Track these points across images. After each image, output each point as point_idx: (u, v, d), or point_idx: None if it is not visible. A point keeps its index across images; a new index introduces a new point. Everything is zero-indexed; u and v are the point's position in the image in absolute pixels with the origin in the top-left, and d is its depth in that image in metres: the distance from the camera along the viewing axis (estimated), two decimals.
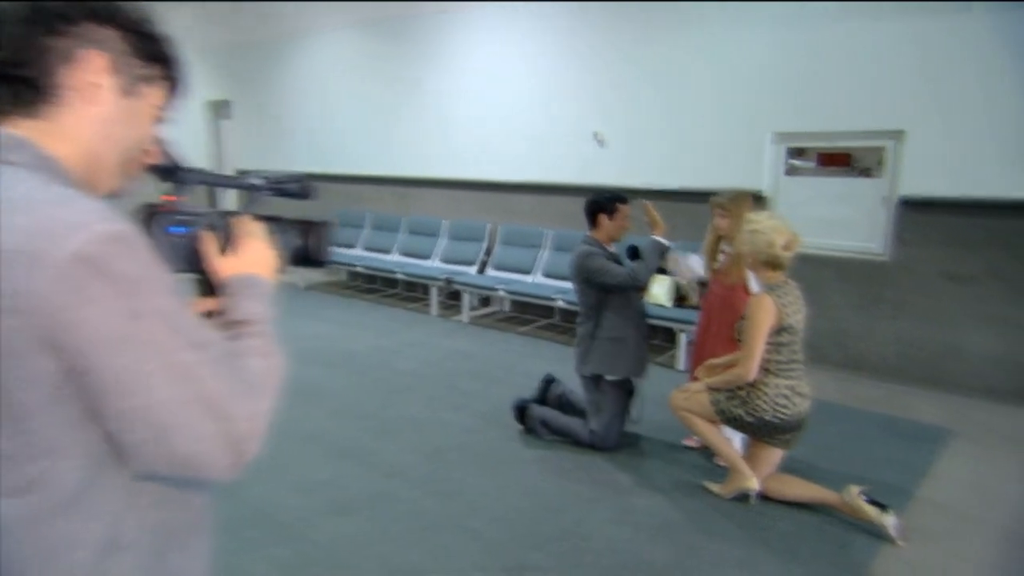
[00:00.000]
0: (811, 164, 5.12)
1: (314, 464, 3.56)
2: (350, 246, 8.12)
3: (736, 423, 3.10)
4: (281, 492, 3.26)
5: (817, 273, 5.06)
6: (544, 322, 6.52)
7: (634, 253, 3.61)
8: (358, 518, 3.04)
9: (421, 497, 3.22)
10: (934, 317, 4.64)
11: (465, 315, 6.57)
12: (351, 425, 4.07)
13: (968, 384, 4.58)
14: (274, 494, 3.24)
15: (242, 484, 3.32)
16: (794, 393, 2.98)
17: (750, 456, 3.23)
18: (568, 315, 6.10)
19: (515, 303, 6.87)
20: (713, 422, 3.24)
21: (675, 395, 3.33)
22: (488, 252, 6.99)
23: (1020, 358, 4.39)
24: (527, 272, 6.53)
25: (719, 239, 3.57)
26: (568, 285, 5.87)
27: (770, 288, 2.96)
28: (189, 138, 10.34)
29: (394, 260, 7.59)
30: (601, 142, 6.08)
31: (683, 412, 3.30)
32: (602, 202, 3.60)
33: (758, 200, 5.21)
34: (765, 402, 2.97)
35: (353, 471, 3.48)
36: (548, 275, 6.35)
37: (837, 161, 5.00)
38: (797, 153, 5.17)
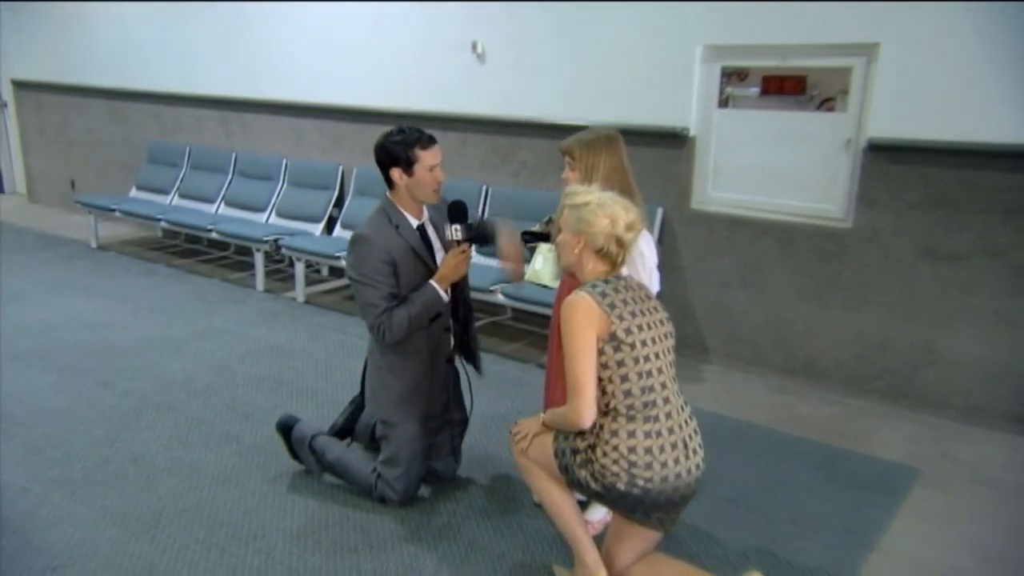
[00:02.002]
0: (753, 91, 4.46)
1: None
2: (163, 192, 7.11)
3: (583, 489, 2.38)
4: None
5: (754, 243, 4.40)
6: None
7: (458, 214, 2.84)
8: None
9: None
10: (907, 308, 4.03)
11: (300, 291, 5.72)
12: (44, 473, 3.22)
13: (948, 401, 4.00)
14: None
15: None
16: (663, 449, 2.25)
17: (612, 534, 2.54)
18: None
19: None
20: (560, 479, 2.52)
21: (522, 429, 2.62)
22: (340, 203, 6.12)
23: (1019, 367, 3.80)
24: None
25: None
26: None
27: (592, 285, 2.28)
28: None
29: (214, 213, 6.64)
30: (480, 55, 5.21)
31: (522, 460, 2.62)
32: (391, 148, 2.79)
33: (680, 140, 4.49)
34: (615, 462, 2.25)
35: None
36: None
37: (788, 88, 4.34)
38: (736, 77, 4.45)
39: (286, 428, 3.27)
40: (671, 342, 2.34)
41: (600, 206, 2.26)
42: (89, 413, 3.78)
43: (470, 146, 5.46)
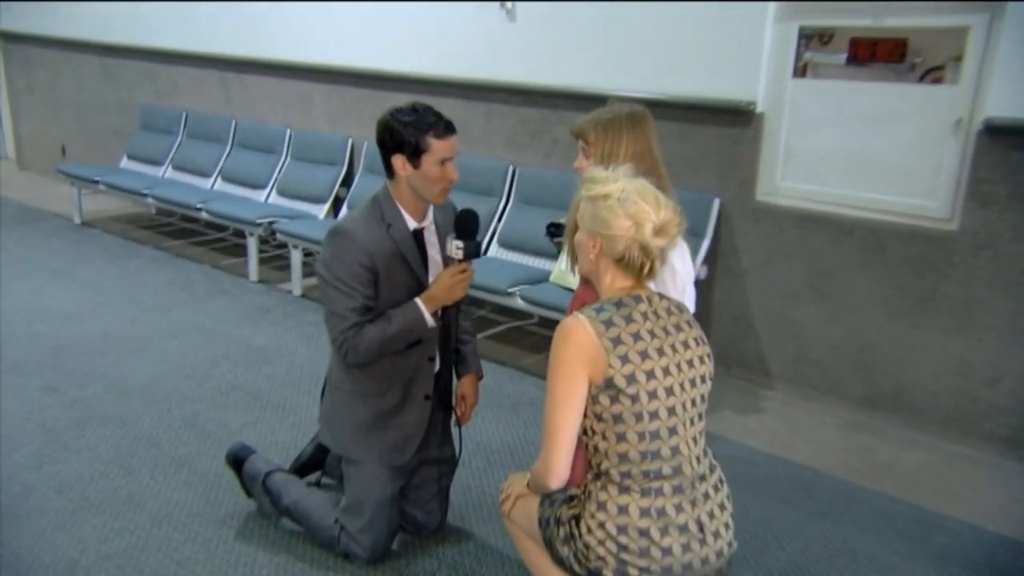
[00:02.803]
0: (839, 58, 4.04)
1: None
2: (155, 163, 6.91)
3: (567, 571, 2.04)
4: None
5: (832, 246, 3.97)
6: None
7: (465, 228, 2.48)
8: None
9: None
10: None
11: (296, 283, 5.45)
12: None
13: None
14: None
15: None
16: (665, 531, 1.88)
17: None
18: None
19: None
20: None
21: (508, 488, 2.30)
22: (348, 182, 5.81)
23: None
24: None
25: None
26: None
27: (597, 309, 1.90)
28: None
29: (209, 189, 6.42)
30: (510, 12, 4.82)
31: (508, 525, 2.32)
32: (397, 129, 2.42)
33: (745, 117, 4.06)
34: (601, 543, 1.90)
35: None
36: None
37: (883, 54, 3.92)
38: (818, 40, 4.05)
39: (237, 462, 2.96)
40: (703, 389, 1.94)
41: (622, 201, 1.87)
42: (24, 427, 3.52)
43: (495, 119, 5.08)
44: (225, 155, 6.54)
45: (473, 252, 2.46)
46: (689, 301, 2.33)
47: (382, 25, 5.52)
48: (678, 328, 1.94)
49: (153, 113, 7.17)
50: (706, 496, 1.93)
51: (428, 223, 2.58)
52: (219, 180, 6.47)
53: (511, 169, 4.96)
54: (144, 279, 5.59)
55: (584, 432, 1.92)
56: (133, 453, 3.36)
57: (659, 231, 1.88)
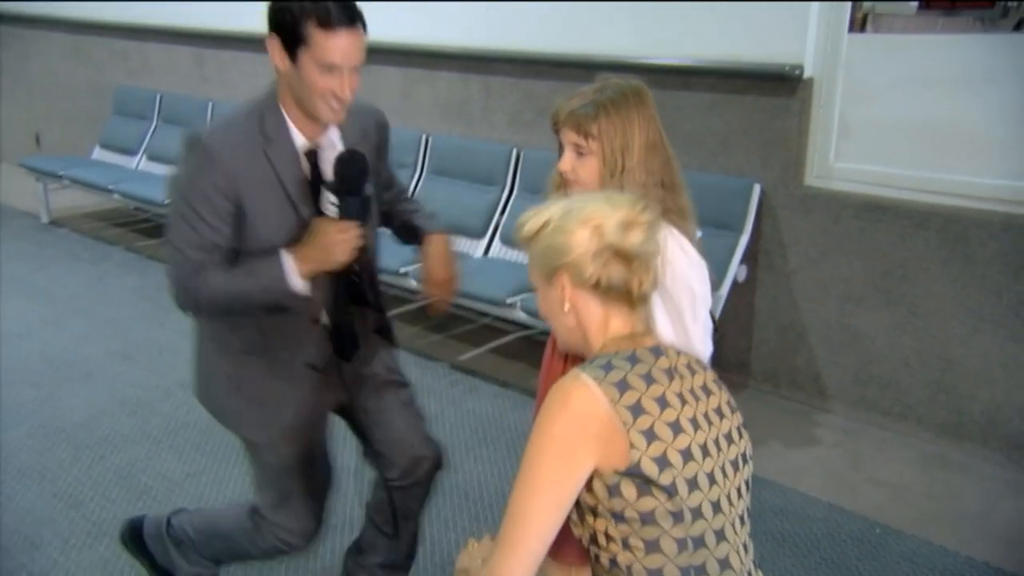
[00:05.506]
0: (909, 6, 3.70)
1: None
2: (130, 152, 6.49)
3: None
4: None
5: (903, 239, 3.45)
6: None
7: (346, 176, 1.88)
8: None
9: None
10: None
11: None
12: None
13: None
14: None
15: None
16: None
17: None
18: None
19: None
20: None
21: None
22: None
23: None
24: None
25: None
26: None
27: (605, 365, 1.39)
28: None
29: None
30: None
31: None
32: (281, 6, 1.83)
33: (789, 85, 3.50)
34: None
35: None
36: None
37: None
38: None
39: (135, 533, 2.43)
40: (747, 473, 1.46)
41: (568, 214, 1.44)
42: None
43: (496, 95, 4.53)
44: None
45: (354, 212, 1.87)
46: (707, 340, 1.77)
47: None
48: (707, 391, 1.42)
49: (126, 96, 6.73)
50: None
51: (328, 143, 1.95)
52: None
53: (515, 153, 4.40)
54: (106, 287, 5.17)
55: (593, 541, 1.39)
56: (46, 519, 2.89)
57: (627, 224, 1.41)
